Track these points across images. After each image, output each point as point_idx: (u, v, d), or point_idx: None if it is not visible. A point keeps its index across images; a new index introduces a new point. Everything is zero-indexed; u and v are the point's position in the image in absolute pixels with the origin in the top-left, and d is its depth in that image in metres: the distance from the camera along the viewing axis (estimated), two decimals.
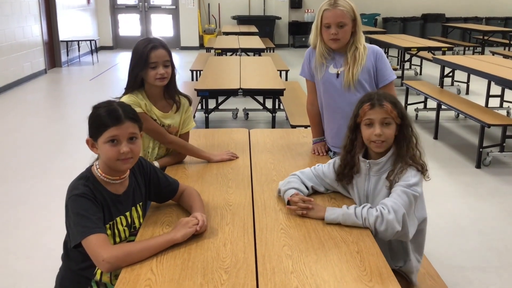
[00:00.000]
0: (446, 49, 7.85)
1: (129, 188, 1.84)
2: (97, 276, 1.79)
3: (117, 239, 1.80)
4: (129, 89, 2.35)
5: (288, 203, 1.96)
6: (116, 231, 1.79)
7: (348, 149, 2.03)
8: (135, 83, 2.32)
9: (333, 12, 2.41)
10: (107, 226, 1.75)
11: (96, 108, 1.75)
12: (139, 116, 1.81)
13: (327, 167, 2.13)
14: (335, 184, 2.11)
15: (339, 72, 2.51)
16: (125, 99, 2.29)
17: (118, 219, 1.80)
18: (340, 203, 2.03)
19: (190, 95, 2.58)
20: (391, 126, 1.92)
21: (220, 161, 2.51)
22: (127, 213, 1.83)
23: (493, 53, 9.23)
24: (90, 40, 11.18)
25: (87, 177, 1.74)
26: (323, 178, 2.12)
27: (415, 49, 7.82)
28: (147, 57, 2.25)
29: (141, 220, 1.89)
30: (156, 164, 2.40)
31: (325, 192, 2.13)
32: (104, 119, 1.70)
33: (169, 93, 2.41)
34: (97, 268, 1.72)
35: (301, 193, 2.00)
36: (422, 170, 1.91)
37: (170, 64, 2.32)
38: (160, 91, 2.39)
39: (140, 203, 1.89)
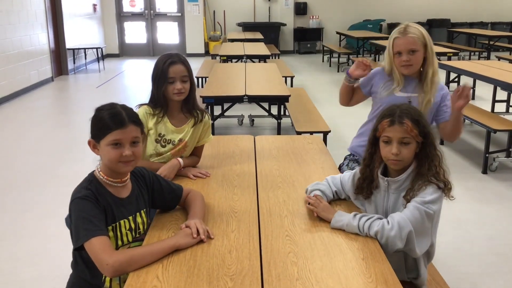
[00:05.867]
0: (451, 54, 7.84)
1: (132, 194, 1.85)
2: (107, 284, 1.79)
3: (119, 242, 1.80)
4: (152, 102, 2.42)
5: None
6: (118, 233, 1.79)
7: (367, 163, 1.97)
8: (159, 97, 2.38)
9: (403, 40, 2.45)
10: (110, 228, 1.75)
11: (99, 110, 1.76)
12: (141, 120, 1.84)
13: (347, 177, 2.09)
14: (352, 196, 2.07)
15: (410, 99, 2.52)
16: (141, 109, 2.40)
17: (122, 222, 1.80)
18: (346, 210, 2.02)
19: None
20: (410, 146, 1.84)
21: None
22: (130, 217, 1.83)
23: (499, 58, 9.20)
24: (97, 48, 11.27)
25: (89, 180, 1.76)
26: (343, 187, 2.10)
27: None
28: (166, 72, 2.32)
29: (146, 226, 1.90)
30: (181, 161, 2.43)
31: (347, 199, 2.11)
32: (107, 121, 1.71)
33: (187, 108, 2.47)
34: (104, 275, 1.72)
35: (325, 196, 2.02)
36: (445, 188, 1.84)
37: (188, 79, 2.38)
38: (178, 105, 2.46)
39: (144, 210, 1.90)
